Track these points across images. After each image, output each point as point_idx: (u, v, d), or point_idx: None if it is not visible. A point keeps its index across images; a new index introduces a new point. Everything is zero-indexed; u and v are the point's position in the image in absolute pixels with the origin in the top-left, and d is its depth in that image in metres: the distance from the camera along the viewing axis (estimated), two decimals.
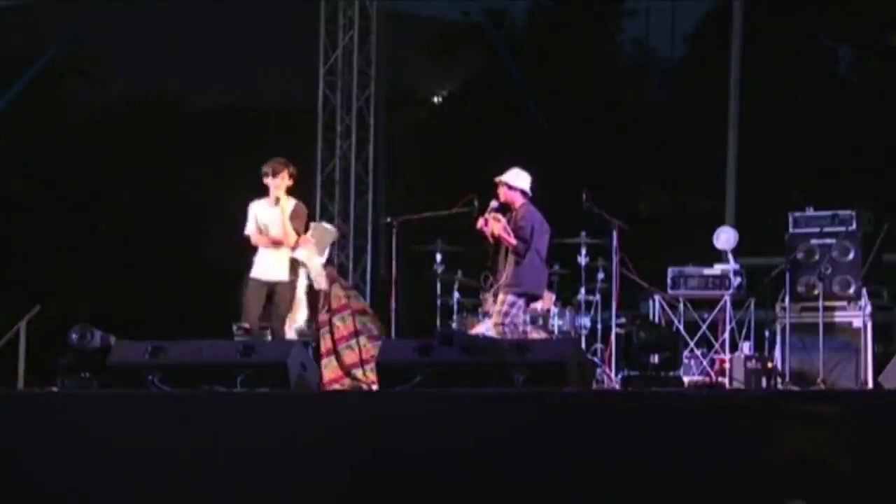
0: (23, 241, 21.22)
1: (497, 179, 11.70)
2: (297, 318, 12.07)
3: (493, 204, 11.67)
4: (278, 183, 11.54)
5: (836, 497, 7.38)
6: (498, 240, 11.55)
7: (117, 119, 23.30)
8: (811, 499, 7.41)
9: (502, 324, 11.34)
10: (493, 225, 11.51)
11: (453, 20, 23.64)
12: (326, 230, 12.34)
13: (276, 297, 11.53)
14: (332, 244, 12.80)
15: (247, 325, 11.27)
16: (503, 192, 11.68)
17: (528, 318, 11.89)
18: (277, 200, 11.52)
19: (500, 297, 11.45)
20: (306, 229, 11.80)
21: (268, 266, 11.54)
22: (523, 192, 11.67)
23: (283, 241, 11.54)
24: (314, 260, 12.02)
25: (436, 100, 26.15)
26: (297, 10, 20.06)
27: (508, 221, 11.60)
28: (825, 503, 7.41)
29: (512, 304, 11.41)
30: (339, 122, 18.32)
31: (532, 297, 11.70)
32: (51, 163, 22.35)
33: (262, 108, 23.61)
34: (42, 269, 21.28)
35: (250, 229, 11.62)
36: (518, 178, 11.71)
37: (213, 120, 23.44)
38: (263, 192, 11.66)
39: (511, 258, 11.45)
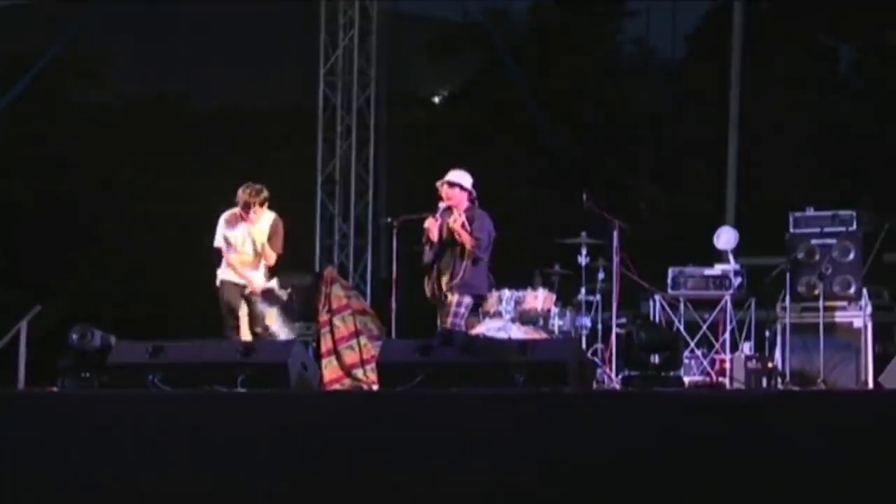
0: (23, 241, 21.22)
1: (442, 182, 11.67)
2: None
3: (442, 205, 11.65)
4: (256, 211, 11.62)
5: (836, 497, 7.38)
6: (448, 239, 11.51)
7: (117, 119, 23.29)
8: (811, 499, 7.42)
9: (455, 325, 11.41)
10: (454, 224, 11.48)
11: (453, 20, 23.65)
12: (279, 295, 12.34)
13: (253, 299, 11.68)
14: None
15: (233, 326, 11.39)
16: (451, 194, 11.62)
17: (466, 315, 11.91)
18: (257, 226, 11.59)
19: (455, 297, 11.46)
20: (286, 244, 11.88)
21: (246, 273, 11.75)
22: (469, 193, 11.64)
23: (259, 261, 11.68)
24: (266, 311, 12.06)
25: (436, 100, 26.15)
26: (297, 10, 20.07)
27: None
28: (824, 503, 7.41)
29: (468, 306, 11.55)
30: (339, 122, 18.33)
31: (481, 298, 11.81)
32: (51, 163, 22.34)
33: (262, 109, 23.60)
34: (42, 270, 21.28)
35: (222, 244, 11.73)
36: (464, 179, 11.69)
37: (213, 120, 23.43)
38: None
39: (467, 259, 11.46)
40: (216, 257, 11.86)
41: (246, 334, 11.56)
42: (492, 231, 11.60)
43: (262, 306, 11.75)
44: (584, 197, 12.14)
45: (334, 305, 12.68)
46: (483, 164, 12.20)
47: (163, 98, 23.80)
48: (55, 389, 11.00)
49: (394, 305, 12.17)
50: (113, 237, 22.11)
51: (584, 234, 12.80)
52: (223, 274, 11.72)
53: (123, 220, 22.23)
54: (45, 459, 8.82)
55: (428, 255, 11.65)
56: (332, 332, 12.58)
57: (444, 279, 11.59)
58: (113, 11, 20.38)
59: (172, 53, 24.23)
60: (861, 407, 7.81)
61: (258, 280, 11.74)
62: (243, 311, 11.69)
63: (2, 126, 19.94)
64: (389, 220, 12.59)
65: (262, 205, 11.62)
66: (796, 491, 7.43)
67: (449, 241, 11.57)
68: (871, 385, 11.47)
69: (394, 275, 12.32)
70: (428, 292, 11.73)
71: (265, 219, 11.67)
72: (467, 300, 11.55)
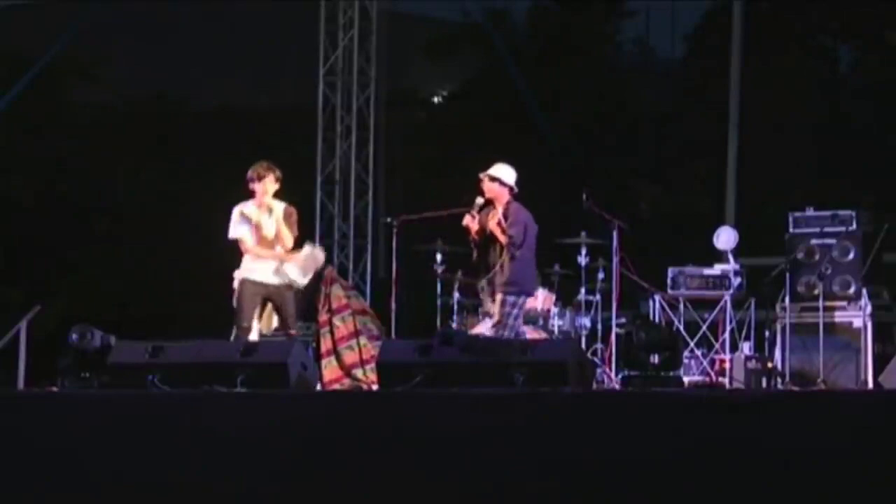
0: (23, 240, 21.22)
1: (483, 174, 11.49)
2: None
3: (479, 200, 11.45)
4: (264, 188, 11.28)
5: (836, 497, 7.38)
6: (489, 236, 11.33)
7: (117, 119, 23.30)
8: (811, 499, 7.42)
9: (505, 325, 11.17)
10: (491, 221, 11.38)
11: (453, 20, 23.65)
12: (317, 258, 12.03)
13: (279, 298, 11.34)
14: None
15: (245, 325, 11.20)
16: (490, 188, 11.42)
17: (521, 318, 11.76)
18: (270, 210, 11.31)
19: (499, 297, 11.21)
20: (299, 245, 11.58)
21: (265, 270, 11.34)
22: (510, 188, 11.48)
23: (276, 244, 11.35)
24: (300, 281, 11.80)
25: (436, 100, 26.16)
26: (297, 10, 20.08)
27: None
28: (825, 503, 7.41)
29: (514, 305, 11.23)
30: (339, 122, 18.34)
31: (528, 296, 11.55)
32: (51, 163, 22.35)
33: (262, 108, 23.61)
34: (42, 270, 21.29)
35: (240, 234, 11.32)
36: (506, 173, 11.48)
37: (212, 120, 23.44)
38: (246, 195, 11.48)
39: (506, 256, 11.23)
40: (231, 255, 11.54)
41: (255, 335, 11.37)
42: (530, 225, 11.32)
43: (295, 273, 11.50)
44: (584, 197, 12.12)
45: (334, 305, 12.68)
46: (483, 164, 12.18)
47: (163, 98, 23.80)
48: (55, 389, 11.01)
49: (393, 305, 12.16)
50: (113, 237, 22.12)
51: (584, 234, 12.80)
52: (243, 273, 11.35)
53: (123, 220, 22.25)
54: (45, 459, 8.82)
55: (474, 253, 11.51)
56: (331, 332, 12.59)
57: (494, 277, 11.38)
58: (113, 11, 20.39)
59: (172, 53, 24.23)
60: (861, 407, 7.81)
61: (279, 268, 11.51)
62: (263, 311, 11.44)
63: (2, 126, 19.95)
64: (389, 220, 12.59)
65: (277, 181, 11.29)
66: (796, 491, 7.43)
67: (490, 238, 11.36)
68: (870, 385, 11.47)
69: (393, 275, 12.32)
70: (486, 290, 11.51)
71: (278, 207, 11.35)
72: (512, 299, 11.22)
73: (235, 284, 11.40)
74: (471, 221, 11.40)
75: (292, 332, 11.35)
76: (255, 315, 11.38)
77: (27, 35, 20.61)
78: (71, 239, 21.76)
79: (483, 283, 11.46)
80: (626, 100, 23.46)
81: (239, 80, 24.60)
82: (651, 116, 23.14)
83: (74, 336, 11.31)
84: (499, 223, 11.27)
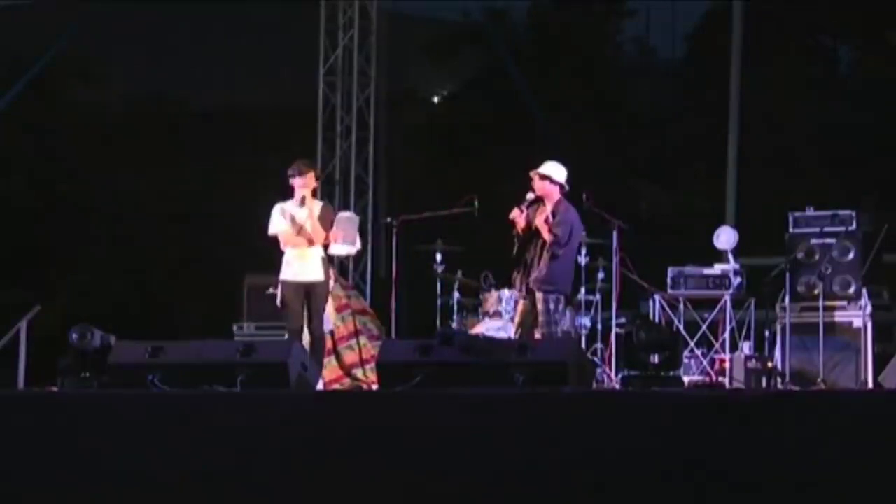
0: (23, 241, 21.22)
1: (534, 172, 11.44)
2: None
3: (530, 196, 11.41)
4: (304, 183, 11.39)
5: (836, 497, 7.38)
6: (534, 232, 11.28)
7: (117, 119, 23.30)
8: (811, 499, 7.42)
9: (550, 323, 11.15)
10: (538, 218, 11.28)
11: (453, 20, 23.66)
12: (349, 219, 12.04)
13: (313, 296, 11.39)
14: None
15: (294, 327, 11.21)
16: (542, 185, 11.38)
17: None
18: (303, 201, 11.39)
19: (540, 296, 11.20)
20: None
21: (304, 267, 11.40)
22: (561, 186, 11.44)
23: (314, 241, 11.42)
24: (354, 250, 11.88)
25: (436, 100, 26.17)
26: (297, 10, 20.08)
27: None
28: (824, 503, 7.41)
29: (557, 302, 11.25)
30: (339, 122, 18.32)
31: (565, 296, 11.53)
32: (51, 163, 22.35)
33: (262, 109, 23.59)
34: (42, 270, 21.29)
35: (280, 229, 11.42)
36: (558, 172, 11.46)
37: (212, 120, 23.44)
38: (280, 193, 11.52)
39: (547, 254, 11.21)
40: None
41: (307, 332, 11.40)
42: (576, 226, 11.37)
43: (340, 243, 11.53)
44: (584, 197, 12.11)
45: (334, 305, 12.68)
46: (482, 164, 12.20)
47: (163, 98, 23.81)
48: (55, 389, 11.01)
49: (393, 305, 12.15)
50: (113, 237, 22.12)
51: (583, 234, 12.79)
52: (282, 274, 11.44)
53: (123, 220, 22.25)
54: (46, 459, 8.82)
55: (515, 247, 11.47)
56: (331, 331, 12.58)
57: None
58: (113, 11, 20.39)
59: (172, 53, 24.23)
60: (861, 407, 7.81)
61: (317, 261, 11.55)
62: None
63: (2, 126, 19.94)
64: (389, 220, 12.59)
65: (317, 178, 11.53)
66: (796, 490, 7.43)
67: (534, 235, 11.32)
68: (870, 385, 11.47)
69: (393, 275, 12.31)
70: (516, 286, 11.49)
71: (315, 204, 11.47)
72: (555, 297, 11.22)
73: (280, 284, 11.51)
74: (518, 216, 11.38)
75: (313, 326, 11.38)
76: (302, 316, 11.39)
77: (27, 35, 20.60)
78: (71, 239, 21.76)
79: (517, 276, 11.43)
80: (627, 100, 23.46)
81: (239, 80, 24.60)
82: (651, 116, 23.14)
83: (74, 336, 11.32)
84: (546, 220, 11.25)
